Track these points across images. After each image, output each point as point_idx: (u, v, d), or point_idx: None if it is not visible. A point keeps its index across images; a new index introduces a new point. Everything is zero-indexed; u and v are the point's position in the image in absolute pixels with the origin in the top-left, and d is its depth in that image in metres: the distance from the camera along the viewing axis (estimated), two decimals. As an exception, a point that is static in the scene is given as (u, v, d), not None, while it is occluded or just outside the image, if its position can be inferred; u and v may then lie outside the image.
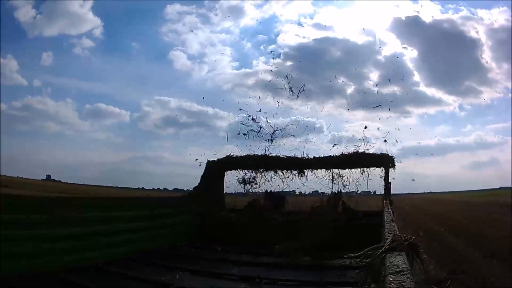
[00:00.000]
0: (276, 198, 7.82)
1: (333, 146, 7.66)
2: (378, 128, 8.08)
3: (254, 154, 7.74)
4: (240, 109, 8.35)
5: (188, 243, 6.46)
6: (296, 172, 7.66)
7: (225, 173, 7.98)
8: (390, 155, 7.30)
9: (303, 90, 8.26)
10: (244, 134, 8.13)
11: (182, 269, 4.57)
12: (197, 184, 7.62)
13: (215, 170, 7.76)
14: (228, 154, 7.82)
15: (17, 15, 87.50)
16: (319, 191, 7.78)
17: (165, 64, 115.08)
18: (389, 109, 8.33)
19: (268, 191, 7.85)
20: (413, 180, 7.40)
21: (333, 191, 7.54)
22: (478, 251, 9.00)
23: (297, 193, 8.18)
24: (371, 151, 7.38)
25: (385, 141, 7.55)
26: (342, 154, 7.41)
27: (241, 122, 8.07)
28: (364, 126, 7.91)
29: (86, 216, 5.07)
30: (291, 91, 8.39)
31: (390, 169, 7.24)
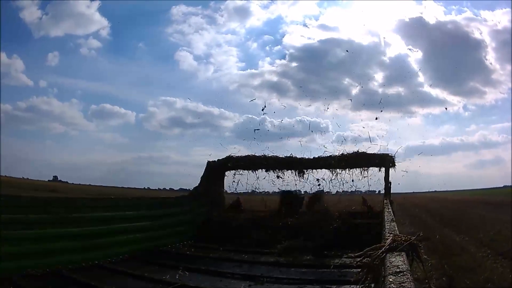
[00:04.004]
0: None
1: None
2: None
3: (254, 155, 7.74)
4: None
5: (188, 242, 6.47)
6: (296, 172, 7.65)
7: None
8: (390, 155, 7.26)
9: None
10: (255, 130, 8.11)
11: (184, 268, 4.58)
12: (197, 184, 7.64)
13: (215, 170, 7.77)
14: (233, 154, 7.83)
15: (22, 16, 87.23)
16: (324, 190, 7.74)
17: (171, 64, 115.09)
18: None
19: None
20: (406, 173, 7.32)
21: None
22: (444, 226, 13.80)
23: (302, 192, 8.15)
24: (375, 150, 7.35)
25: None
26: (342, 154, 7.38)
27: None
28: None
29: (86, 216, 5.07)
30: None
31: (395, 168, 7.20)
